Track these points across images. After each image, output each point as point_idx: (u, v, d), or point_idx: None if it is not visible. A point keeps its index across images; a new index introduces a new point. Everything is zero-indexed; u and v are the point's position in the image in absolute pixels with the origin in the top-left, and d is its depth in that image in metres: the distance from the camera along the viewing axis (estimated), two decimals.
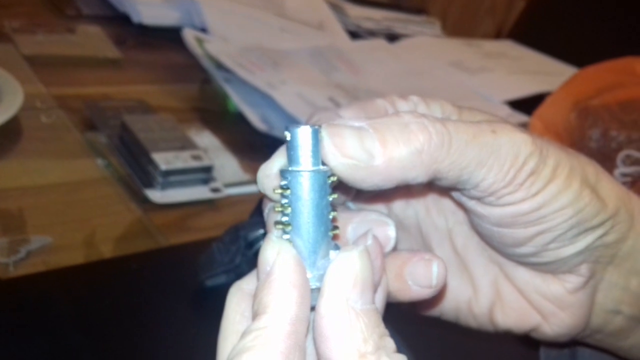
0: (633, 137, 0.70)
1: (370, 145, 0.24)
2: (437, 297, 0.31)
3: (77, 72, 0.81)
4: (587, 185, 0.27)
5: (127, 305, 0.47)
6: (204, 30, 0.96)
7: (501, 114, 0.89)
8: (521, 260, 0.30)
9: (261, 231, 0.44)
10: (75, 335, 0.43)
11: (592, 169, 0.28)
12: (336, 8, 1.17)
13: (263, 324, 0.23)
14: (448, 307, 0.33)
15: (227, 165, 0.67)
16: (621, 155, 0.70)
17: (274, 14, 1.06)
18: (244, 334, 0.23)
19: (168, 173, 0.60)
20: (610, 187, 0.29)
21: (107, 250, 0.52)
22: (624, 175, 0.70)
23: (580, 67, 0.90)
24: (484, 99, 0.95)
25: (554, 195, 0.27)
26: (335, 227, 0.26)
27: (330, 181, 0.25)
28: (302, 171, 0.25)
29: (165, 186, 0.60)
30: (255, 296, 0.24)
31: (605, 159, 0.72)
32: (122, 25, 0.96)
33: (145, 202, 0.59)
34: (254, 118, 0.76)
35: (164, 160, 0.60)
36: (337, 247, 0.26)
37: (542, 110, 0.81)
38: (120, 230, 0.55)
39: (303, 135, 0.24)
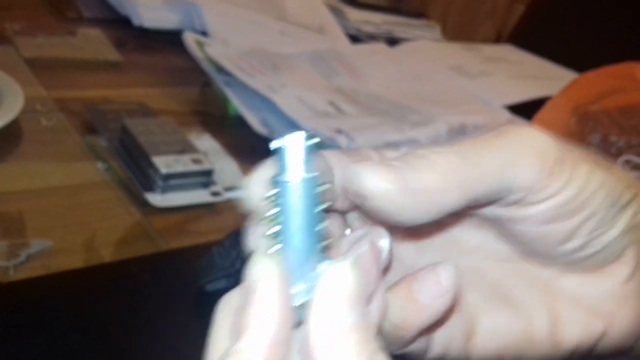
0: (633, 143, 0.70)
1: (402, 172, 0.25)
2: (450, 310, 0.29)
3: (77, 75, 0.82)
4: (603, 167, 0.28)
5: (127, 309, 0.47)
6: (204, 33, 0.96)
7: (501, 119, 0.89)
8: (568, 260, 0.29)
9: None
10: (75, 339, 0.43)
11: (597, 156, 0.29)
12: (336, 12, 1.17)
13: (240, 347, 0.22)
14: (510, 351, 0.31)
15: (227, 169, 0.67)
16: (621, 160, 0.70)
17: (274, 18, 1.06)
18: (222, 356, 0.23)
19: (168, 176, 0.60)
20: (619, 170, 0.29)
21: (107, 254, 0.52)
22: None
23: (581, 72, 0.90)
24: (483, 103, 0.95)
25: (586, 176, 0.27)
26: (327, 238, 0.25)
27: (320, 191, 0.25)
28: (291, 181, 0.24)
29: (165, 190, 0.60)
30: (239, 315, 0.23)
31: None
32: (122, 28, 0.96)
33: (145, 205, 0.59)
34: (255, 122, 0.76)
35: (164, 163, 0.60)
36: (328, 259, 0.25)
37: (542, 115, 0.81)
38: (120, 234, 0.55)
39: (293, 143, 0.24)
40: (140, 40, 0.95)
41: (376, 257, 0.26)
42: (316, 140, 0.24)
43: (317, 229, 0.25)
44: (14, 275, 0.47)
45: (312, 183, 0.24)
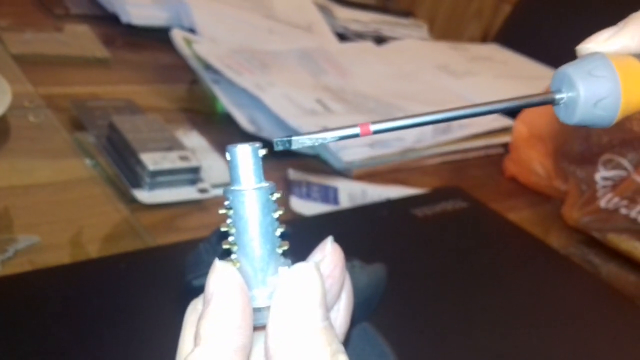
0: (615, 141, 0.72)
1: None
2: None
3: (65, 71, 0.82)
4: None
5: (114, 304, 0.47)
6: (192, 31, 0.96)
7: (486, 118, 0.90)
8: None
9: None
10: (62, 335, 0.43)
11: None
12: (324, 10, 1.18)
13: (196, 356, 0.23)
14: None
15: (214, 166, 0.68)
16: (603, 159, 0.72)
17: (262, 16, 1.06)
18: None
19: (156, 173, 0.60)
20: None
21: (94, 250, 0.53)
22: (605, 179, 0.71)
23: None
24: (469, 102, 0.96)
25: None
26: (285, 243, 0.26)
27: (274, 198, 0.25)
28: (242, 190, 0.25)
29: (152, 186, 0.60)
30: (197, 324, 0.24)
31: (587, 163, 0.73)
32: (110, 25, 0.97)
33: (132, 202, 0.59)
34: (242, 119, 0.77)
35: (151, 160, 0.61)
36: (287, 263, 0.26)
37: (527, 114, 0.82)
38: (107, 230, 0.55)
39: (242, 154, 0.25)
40: (128, 38, 0.95)
41: (340, 256, 0.27)
42: (265, 151, 0.25)
43: (271, 235, 0.25)
44: (2, 271, 0.47)
45: (263, 192, 0.25)
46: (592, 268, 0.69)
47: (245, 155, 0.25)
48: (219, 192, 0.64)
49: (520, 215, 0.75)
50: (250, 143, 0.25)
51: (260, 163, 0.25)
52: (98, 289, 0.48)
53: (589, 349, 0.54)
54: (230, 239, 0.25)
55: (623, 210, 0.69)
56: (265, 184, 0.25)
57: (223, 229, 0.25)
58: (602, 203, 0.70)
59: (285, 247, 0.26)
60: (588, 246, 0.72)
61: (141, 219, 0.58)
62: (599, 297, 0.62)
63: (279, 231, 0.26)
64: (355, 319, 0.40)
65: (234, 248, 0.25)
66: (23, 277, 0.47)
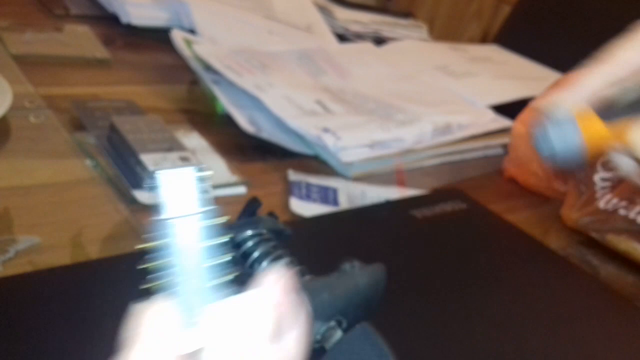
0: None
1: None
2: None
3: (65, 72, 0.82)
4: None
5: (115, 305, 0.47)
6: (192, 31, 0.96)
7: (485, 118, 0.90)
8: None
9: (249, 232, 0.45)
10: (63, 335, 0.43)
11: None
12: (324, 11, 1.18)
13: None
14: None
15: (215, 167, 0.68)
16: (601, 160, 0.72)
17: (262, 17, 1.07)
18: None
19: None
20: None
21: (94, 251, 0.53)
22: (604, 179, 0.71)
23: (565, 73, 0.92)
24: (468, 103, 0.97)
25: None
26: (224, 271, 0.24)
27: (212, 224, 0.23)
28: (169, 219, 0.23)
29: (153, 187, 0.60)
30: None
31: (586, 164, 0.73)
32: (110, 26, 0.97)
33: (133, 202, 0.59)
34: (242, 120, 0.77)
35: (152, 161, 0.61)
36: (225, 295, 0.23)
37: (525, 115, 0.82)
38: (108, 231, 0.56)
39: (168, 180, 0.23)
40: (128, 38, 0.95)
41: (288, 284, 0.25)
42: (203, 174, 0.23)
43: (206, 264, 0.23)
44: (3, 272, 0.47)
45: (192, 220, 0.23)
46: (590, 269, 0.69)
47: (177, 182, 0.23)
48: (219, 193, 0.64)
49: (519, 216, 0.75)
50: (183, 167, 0.23)
51: (196, 188, 0.23)
52: (99, 290, 0.48)
53: (587, 350, 0.54)
54: (163, 271, 0.23)
55: (622, 211, 0.69)
56: (196, 211, 0.23)
57: (153, 262, 0.23)
58: (601, 204, 0.71)
59: (225, 278, 0.24)
60: (587, 247, 0.72)
61: (141, 219, 0.58)
62: (597, 298, 0.62)
63: (217, 261, 0.23)
64: (356, 319, 0.40)
65: (166, 282, 0.23)
66: (24, 277, 0.47)
